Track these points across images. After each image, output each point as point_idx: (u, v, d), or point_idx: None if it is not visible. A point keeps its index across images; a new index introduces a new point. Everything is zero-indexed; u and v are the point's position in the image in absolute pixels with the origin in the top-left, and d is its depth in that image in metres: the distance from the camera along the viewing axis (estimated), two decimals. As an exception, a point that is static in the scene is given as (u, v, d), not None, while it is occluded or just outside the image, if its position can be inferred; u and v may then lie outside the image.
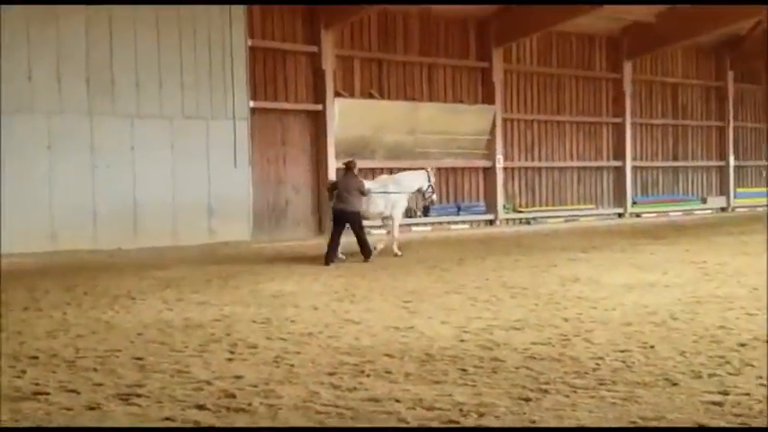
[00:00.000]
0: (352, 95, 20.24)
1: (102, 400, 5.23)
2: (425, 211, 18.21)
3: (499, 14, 21.89)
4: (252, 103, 18.42)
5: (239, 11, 18.11)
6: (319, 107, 19.50)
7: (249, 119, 18.33)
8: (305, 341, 7.04)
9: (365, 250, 14.12)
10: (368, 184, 14.95)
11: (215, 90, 17.86)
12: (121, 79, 16.82)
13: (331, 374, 5.78)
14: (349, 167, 14.47)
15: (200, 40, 17.69)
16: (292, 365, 6.10)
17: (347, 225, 14.06)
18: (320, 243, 18.01)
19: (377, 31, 20.75)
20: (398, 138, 20.75)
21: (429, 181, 15.73)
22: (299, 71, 19.50)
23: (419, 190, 15.74)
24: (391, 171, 18.40)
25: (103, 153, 16.63)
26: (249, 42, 18.36)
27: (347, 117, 19.69)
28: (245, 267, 13.45)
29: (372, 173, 19.64)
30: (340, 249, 14.20)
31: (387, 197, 15.14)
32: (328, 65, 19.53)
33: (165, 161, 17.28)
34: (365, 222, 14.72)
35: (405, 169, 17.09)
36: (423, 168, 16.38)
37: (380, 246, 15.10)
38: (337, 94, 19.78)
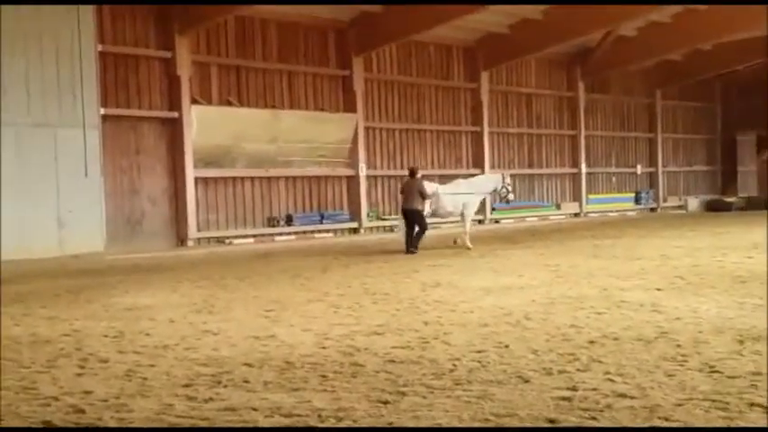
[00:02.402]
0: (209, 103, 19.88)
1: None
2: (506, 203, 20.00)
3: (358, 22, 22.02)
4: (103, 111, 17.81)
5: (87, 15, 17.44)
6: (175, 114, 19.07)
7: (100, 127, 17.69)
8: (160, 354, 6.82)
9: (415, 243, 16.44)
10: (442, 186, 17.70)
11: (63, 97, 17.13)
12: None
13: (186, 386, 5.64)
14: (412, 173, 17.12)
15: (47, 45, 16.93)
16: (145, 378, 5.89)
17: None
18: (179, 254, 17.71)
19: (234, 37, 20.47)
20: (260, 146, 20.53)
21: (503, 182, 17.92)
22: (152, 77, 19.03)
23: (495, 191, 18.24)
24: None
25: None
26: (99, 48, 17.75)
27: (205, 125, 19.33)
28: (98, 280, 12.95)
29: (241, 182, 19.40)
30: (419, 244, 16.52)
31: (457, 198, 17.34)
32: (184, 71, 19.13)
33: (10, 170, 16.42)
34: (440, 220, 18.48)
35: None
36: (500, 173, 18.69)
37: (459, 240, 17.27)
38: (194, 102, 19.38)
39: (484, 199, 19.58)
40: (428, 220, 16.93)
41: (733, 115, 35.91)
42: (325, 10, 21.33)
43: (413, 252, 16.22)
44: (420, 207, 16.56)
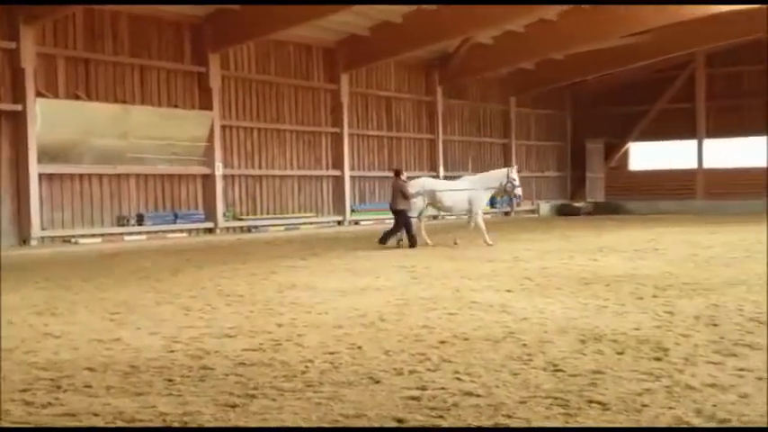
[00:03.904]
0: (56, 96, 19.00)
1: None
2: (510, 201, 19.97)
3: (214, 19, 21.59)
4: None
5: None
6: (19, 108, 18.12)
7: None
8: (-4, 358, 6.46)
9: (386, 236, 17.57)
10: (432, 182, 18.47)
11: None
12: None
13: (24, 391, 5.43)
14: (396, 174, 17.86)
15: None
16: (-21, 384, 5.57)
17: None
18: (22, 254, 16.88)
19: (83, 29, 19.60)
20: (109, 142, 19.74)
21: (508, 177, 17.68)
22: (-6, 68, 18.04)
23: (501, 186, 17.90)
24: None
25: None
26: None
27: (50, 119, 18.45)
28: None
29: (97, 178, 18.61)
30: (425, 237, 17.59)
31: (456, 194, 17.78)
32: (28, 63, 18.21)
33: None
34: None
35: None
36: (507, 167, 18.56)
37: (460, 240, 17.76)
38: (39, 95, 18.47)
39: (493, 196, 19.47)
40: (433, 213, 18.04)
41: (582, 123, 37.48)
42: (180, 5, 20.80)
43: (382, 243, 17.48)
44: (402, 207, 17.36)
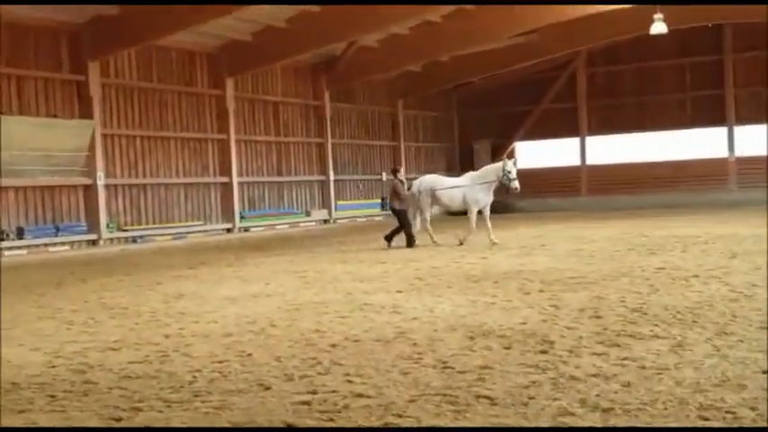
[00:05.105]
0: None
1: None
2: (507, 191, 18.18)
3: (92, 26, 20.90)
4: None
5: None
6: None
7: None
8: None
9: (389, 236, 17.55)
10: (428, 180, 17.97)
11: None
12: None
13: None
14: (393, 172, 18.12)
15: None
16: None
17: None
18: None
19: (-46, 38, 18.74)
20: (-15, 155, 18.88)
21: (504, 170, 16.86)
22: None
23: (498, 180, 17.02)
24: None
25: None
26: None
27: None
28: None
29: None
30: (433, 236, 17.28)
31: (453, 192, 17.33)
32: None
33: None
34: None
35: None
36: (502, 160, 17.65)
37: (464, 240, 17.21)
38: None
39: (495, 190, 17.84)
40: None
41: (470, 124, 38.10)
42: (57, 12, 20.06)
43: (387, 242, 17.43)
44: (397, 206, 17.49)
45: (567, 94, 36.71)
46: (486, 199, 17.34)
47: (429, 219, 17.88)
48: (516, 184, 16.97)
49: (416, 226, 17.60)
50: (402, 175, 18.10)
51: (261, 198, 27.57)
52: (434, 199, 17.62)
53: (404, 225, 17.42)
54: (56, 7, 19.77)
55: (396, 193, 17.54)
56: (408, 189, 17.90)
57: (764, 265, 10.97)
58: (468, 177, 18.02)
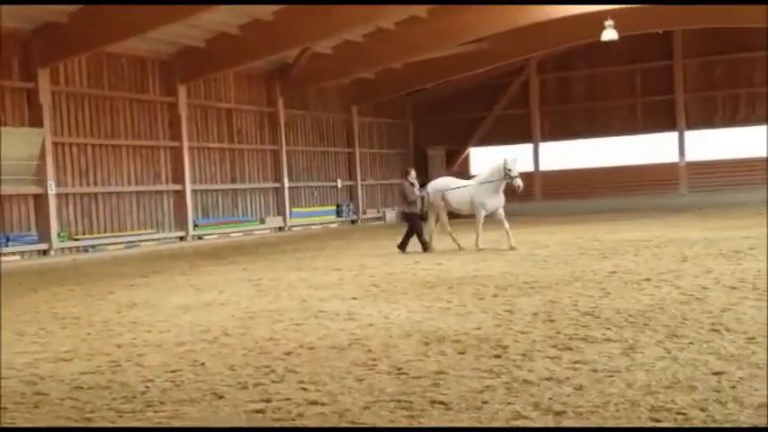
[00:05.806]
0: None
1: None
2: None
3: (42, 32, 20.56)
4: None
5: None
6: None
7: None
8: None
9: (402, 243, 17.06)
10: (435, 183, 17.72)
11: None
12: None
13: None
14: (404, 175, 17.66)
15: None
16: None
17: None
18: None
19: None
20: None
21: (505, 168, 16.38)
22: None
23: (502, 178, 16.52)
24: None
25: None
26: None
27: None
28: None
29: None
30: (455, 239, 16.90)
31: (457, 193, 16.97)
32: None
33: None
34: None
35: None
36: (502, 158, 16.97)
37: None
38: None
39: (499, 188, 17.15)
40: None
41: (424, 131, 38.22)
42: (6, 19, 19.71)
43: (400, 249, 16.98)
44: (406, 209, 17.38)
45: (521, 100, 37.05)
46: (494, 202, 16.90)
47: (447, 221, 17.58)
48: (519, 181, 16.45)
49: (432, 230, 17.29)
50: (413, 177, 17.50)
51: (215, 206, 27.32)
52: (445, 202, 17.28)
53: (414, 230, 16.99)
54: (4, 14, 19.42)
55: (404, 197, 17.17)
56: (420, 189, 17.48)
57: (714, 268, 11.19)
58: (477, 178, 17.58)
